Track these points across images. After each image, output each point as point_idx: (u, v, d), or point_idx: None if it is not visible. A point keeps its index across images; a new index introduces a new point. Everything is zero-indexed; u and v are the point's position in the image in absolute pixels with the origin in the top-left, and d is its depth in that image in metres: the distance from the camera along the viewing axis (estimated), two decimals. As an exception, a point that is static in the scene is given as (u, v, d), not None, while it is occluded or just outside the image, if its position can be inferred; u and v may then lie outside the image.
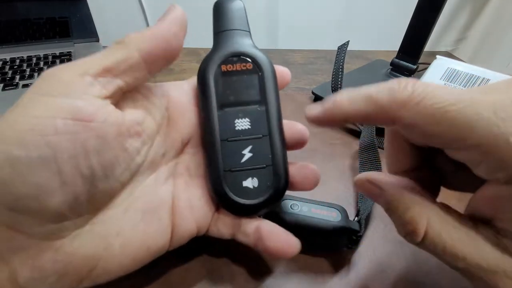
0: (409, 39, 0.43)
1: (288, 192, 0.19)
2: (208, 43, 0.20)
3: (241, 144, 0.18)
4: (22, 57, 0.43)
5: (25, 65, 0.42)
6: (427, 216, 0.13)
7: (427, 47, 0.42)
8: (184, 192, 0.19)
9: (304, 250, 0.18)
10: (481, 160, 0.12)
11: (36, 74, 0.40)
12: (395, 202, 0.14)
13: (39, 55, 0.44)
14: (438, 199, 0.15)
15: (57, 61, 0.43)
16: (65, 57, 0.44)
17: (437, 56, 0.35)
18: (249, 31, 0.20)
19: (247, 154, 0.18)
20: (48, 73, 0.15)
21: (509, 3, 0.53)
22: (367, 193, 0.16)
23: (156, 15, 0.60)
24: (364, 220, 0.22)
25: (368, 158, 0.28)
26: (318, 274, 0.21)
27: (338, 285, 0.21)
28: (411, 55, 0.43)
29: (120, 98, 0.16)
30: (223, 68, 0.19)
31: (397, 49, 0.44)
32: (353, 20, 0.63)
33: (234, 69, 0.19)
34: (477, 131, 0.11)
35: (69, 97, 0.14)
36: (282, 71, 0.20)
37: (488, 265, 0.12)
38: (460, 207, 0.15)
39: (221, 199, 0.18)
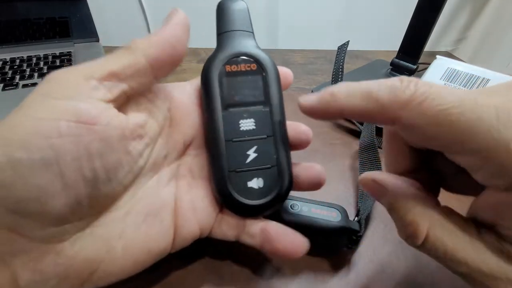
0: (409, 39, 0.43)
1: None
2: (208, 43, 0.20)
3: (246, 144, 0.18)
4: (22, 57, 0.43)
5: (25, 65, 0.42)
6: (429, 219, 0.13)
7: (427, 47, 0.42)
8: (187, 193, 0.19)
9: (304, 250, 0.18)
10: (481, 165, 0.12)
11: (36, 74, 0.40)
12: (397, 203, 0.14)
13: (39, 55, 0.44)
14: (439, 199, 0.15)
15: (57, 61, 0.43)
16: (65, 57, 0.44)
17: (437, 56, 0.35)
18: (253, 32, 0.20)
19: (252, 154, 0.18)
20: (52, 75, 0.15)
21: (509, 3, 0.53)
22: (371, 192, 0.16)
23: (156, 15, 0.60)
24: (364, 220, 0.22)
25: (368, 158, 0.28)
26: (318, 274, 0.21)
27: (338, 285, 0.21)
28: (411, 55, 0.43)
29: (124, 102, 0.16)
30: (228, 68, 0.19)
31: (397, 49, 0.44)
32: (353, 20, 0.63)
33: (239, 69, 0.19)
34: (478, 135, 0.11)
35: (73, 99, 0.14)
36: (285, 72, 0.20)
37: (490, 271, 0.12)
38: (460, 207, 0.15)
39: (225, 200, 0.18)
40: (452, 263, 0.13)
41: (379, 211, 0.25)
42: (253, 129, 0.19)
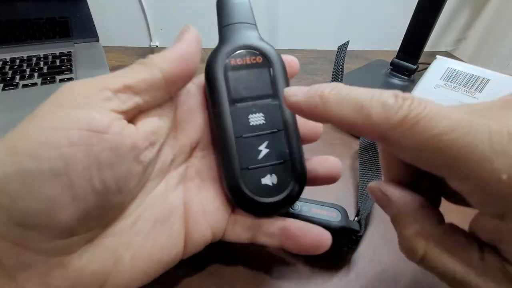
0: (409, 39, 0.43)
1: None
2: (209, 43, 0.20)
3: (257, 140, 0.18)
4: (22, 57, 0.43)
5: (25, 65, 0.42)
6: (428, 237, 0.13)
7: (427, 47, 0.42)
8: (196, 196, 0.18)
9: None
10: (471, 192, 0.11)
11: (36, 74, 0.40)
12: (399, 216, 0.14)
13: (39, 55, 0.44)
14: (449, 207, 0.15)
15: (57, 61, 0.43)
16: (65, 57, 0.44)
17: (437, 56, 0.35)
18: (255, 24, 0.20)
19: (263, 150, 0.18)
20: (66, 85, 0.14)
21: (509, 3, 0.53)
22: (377, 201, 0.16)
23: (156, 15, 0.60)
24: (364, 220, 0.22)
25: (368, 158, 0.28)
26: (318, 274, 0.21)
27: (338, 285, 0.21)
28: (411, 55, 0.43)
29: (135, 115, 0.16)
30: (232, 62, 0.18)
31: (397, 49, 0.44)
32: (353, 20, 0.63)
33: (244, 62, 0.18)
34: (469, 163, 0.10)
35: (84, 108, 0.14)
36: (290, 60, 0.20)
37: None
38: (460, 211, 0.15)
39: (239, 200, 0.18)
40: (451, 283, 0.13)
41: (379, 211, 0.25)
42: (263, 123, 0.18)
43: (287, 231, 0.18)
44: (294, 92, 0.14)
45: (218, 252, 0.22)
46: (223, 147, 0.18)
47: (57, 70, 0.41)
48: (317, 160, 0.19)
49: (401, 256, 0.14)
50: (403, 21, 0.42)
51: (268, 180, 0.18)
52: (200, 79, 0.19)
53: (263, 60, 0.19)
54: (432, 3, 0.39)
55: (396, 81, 0.45)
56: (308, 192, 0.20)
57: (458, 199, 0.15)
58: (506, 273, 0.12)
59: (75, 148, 0.13)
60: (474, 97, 0.31)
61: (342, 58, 0.34)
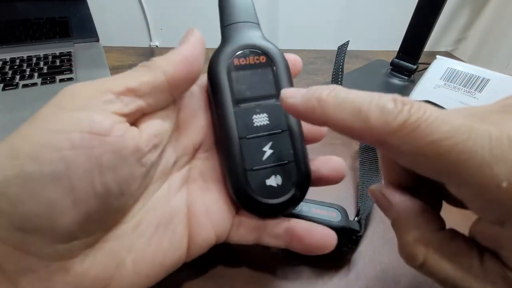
0: (409, 39, 0.43)
1: None
2: (209, 44, 0.20)
3: (261, 140, 0.18)
4: (22, 57, 0.43)
5: (25, 65, 0.42)
6: (427, 243, 0.13)
7: (427, 47, 0.42)
8: (200, 198, 0.18)
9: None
10: (471, 198, 0.11)
11: (36, 74, 0.40)
12: (399, 221, 0.14)
13: (39, 55, 0.44)
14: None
15: (57, 61, 0.43)
16: (65, 57, 0.44)
17: (437, 56, 0.35)
18: (258, 23, 0.19)
19: (268, 151, 0.18)
20: (68, 88, 0.14)
21: (509, 3, 0.53)
22: (378, 204, 0.16)
23: (156, 15, 0.60)
24: (364, 220, 0.22)
25: (368, 158, 0.28)
26: (318, 274, 0.21)
27: (338, 285, 0.21)
28: (411, 55, 0.43)
29: (138, 118, 0.16)
30: (236, 62, 0.18)
31: (397, 49, 0.44)
32: (353, 20, 0.63)
33: (247, 62, 0.18)
34: (469, 169, 0.10)
35: (86, 110, 0.14)
36: (293, 59, 0.20)
37: None
38: (461, 211, 0.14)
39: (244, 201, 0.17)
40: None
41: (379, 211, 0.25)
42: (267, 124, 0.18)
43: (292, 232, 0.18)
44: (292, 94, 0.14)
45: (222, 254, 0.22)
46: (227, 148, 0.17)
47: (57, 70, 0.41)
48: (321, 160, 0.19)
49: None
50: (403, 21, 0.42)
51: (273, 181, 0.17)
52: (203, 79, 0.19)
53: (266, 59, 0.18)
54: (432, 3, 0.39)
55: (396, 81, 0.45)
56: (308, 192, 0.20)
57: (459, 203, 0.15)
58: (507, 279, 0.11)
59: (76, 151, 0.13)
60: (474, 97, 0.31)
61: (342, 58, 0.34)
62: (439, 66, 0.34)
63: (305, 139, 0.19)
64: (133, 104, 0.15)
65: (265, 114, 0.18)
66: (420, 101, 0.12)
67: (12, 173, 0.12)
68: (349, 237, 0.21)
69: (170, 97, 0.17)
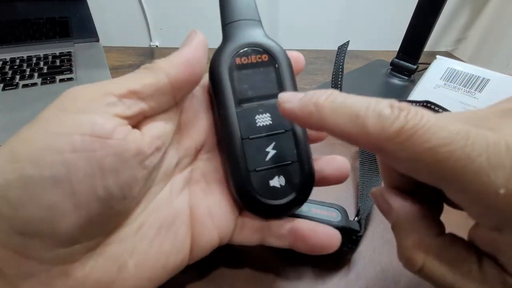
0: (409, 39, 0.43)
1: None
2: (209, 44, 0.20)
3: (264, 141, 0.17)
4: (22, 57, 0.43)
5: (25, 65, 0.42)
6: (426, 249, 0.13)
7: (427, 47, 0.42)
8: (202, 199, 0.18)
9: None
10: (469, 204, 0.11)
11: (36, 74, 0.40)
12: (399, 225, 0.14)
13: (39, 55, 0.44)
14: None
15: (57, 61, 0.43)
16: (65, 57, 0.44)
17: (437, 56, 0.35)
18: (260, 21, 0.19)
19: (271, 151, 0.17)
20: (70, 90, 0.14)
21: (509, 3, 0.53)
22: (378, 207, 0.16)
23: (156, 15, 0.60)
24: (364, 220, 0.22)
25: (368, 158, 0.28)
26: (318, 274, 0.21)
27: (338, 285, 0.21)
28: (411, 55, 0.43)
29: (140, 121, 0.16)
30: (237, 61, 0.18)
31: (397, 49, 0.44)
32: (353, 20, 0.63)
33: (249, 61, 0.18)
34: (467, 176, 0.10)
35: (87, 113, 0.13)
36: (296, 56, 0.19)
37: None
38: (460, 214, 0.14)
39: (247, 202, 0.17)
40: None
41: (379, 211, 0.25)
42: (270, 124, 0.17)
43: (297, 232, 0.18)
44: (289, 99, 0.14)
45: (219, 252, 0.22)
46: (229, 149, 0.17)
47: (57, 70, 0.41)
48: (325, 160, 0.19)
49: (401, 256, 0.14)
50: (403, 21, 0.42)
51: (276, 181, 0.17)
52: (204, 79, 0.19)
53: (269, 58, 0.18)
54: (432, 3, 0.39)
55: (396, 81, 0.45)
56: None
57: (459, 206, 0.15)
58: (506, 284, 0.11)
59: (77, 154, 0.13)
60: (474, 97, 0.31)
61: (342, 58, 0.34)
62: (439, 66, 0.34)
63: (308, 139, 0.18)
64: (136, 106, 0.15)
65: (268, 114, 0.18)
66: (420, 101, 0.12)
67: (13, 177, 0.12)
68: (349, 237, 0.21)
69: (172, 100, 0.16)
